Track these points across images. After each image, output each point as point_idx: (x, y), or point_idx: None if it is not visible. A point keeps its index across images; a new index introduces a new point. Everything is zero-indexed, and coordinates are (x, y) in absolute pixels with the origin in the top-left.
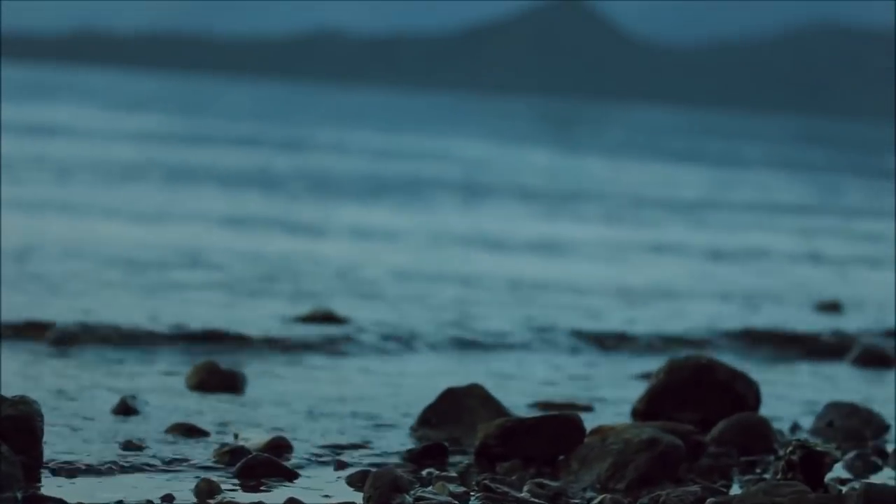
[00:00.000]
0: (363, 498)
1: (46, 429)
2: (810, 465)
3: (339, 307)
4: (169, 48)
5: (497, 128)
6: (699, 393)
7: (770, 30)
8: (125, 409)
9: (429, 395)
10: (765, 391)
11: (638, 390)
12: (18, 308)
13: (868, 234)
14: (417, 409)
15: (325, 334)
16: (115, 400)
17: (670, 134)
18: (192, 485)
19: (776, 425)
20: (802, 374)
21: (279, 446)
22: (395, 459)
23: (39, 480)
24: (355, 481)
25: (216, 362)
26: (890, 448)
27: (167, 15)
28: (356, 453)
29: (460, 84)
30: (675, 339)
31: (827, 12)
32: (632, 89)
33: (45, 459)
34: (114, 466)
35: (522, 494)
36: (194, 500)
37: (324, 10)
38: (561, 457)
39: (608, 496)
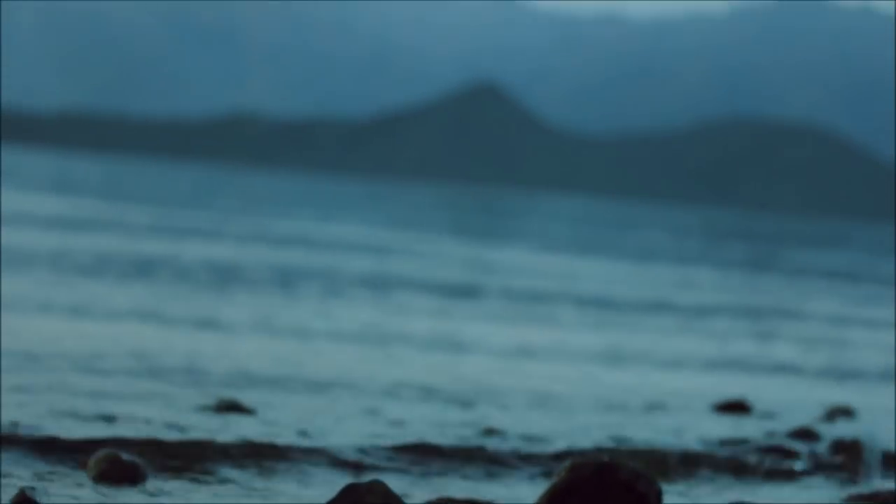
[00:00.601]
0: None
1: None
2: None
3: (246, 398)
4: (84, 128)
5: (406, 216)
6: (601, 492)
7: (684, 121)
8: (24, 499)
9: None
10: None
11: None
12: None
13: (766, 335)
14: None
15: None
16: (14, 491)
17: (583, 224)
18: None
19: None
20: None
21: None
22: None
23: None
24: None
25: (118, 453)
26: None
27: (83, 94)
28: None
29: (376, 169)
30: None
31: (740, 105)
32: (548, 178)
33: None
34: None
35: None
36: None
37: (242, 93)
38: None
39: None
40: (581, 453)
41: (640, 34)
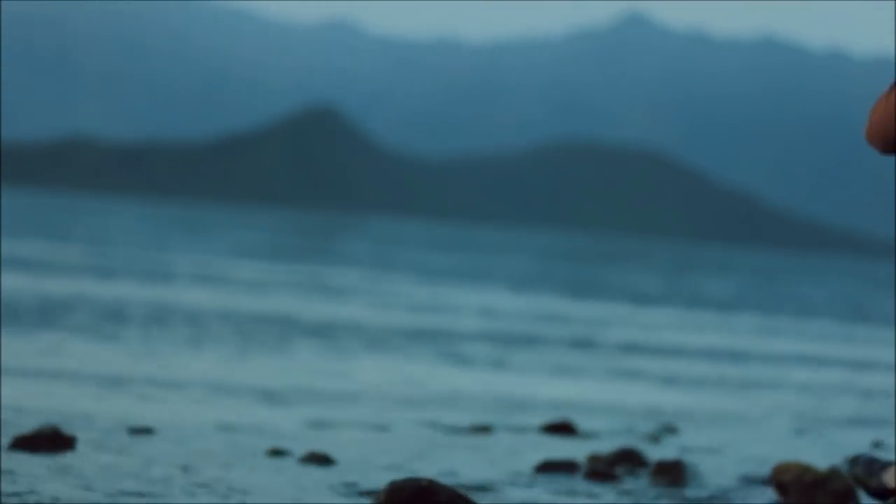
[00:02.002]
0: None
1: None
2: None
3: None
4: None
5: (240, 240)
6: None
7: (520, 143)
8: None
9: None
10: None
11: None
12: None
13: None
14: None
15: None
16: None
17: (415, 246)
18: None
19: None
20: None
21: None
22: None
23: None
24: None
25: None
26: None
27: None
28: None
29: (212, 193)
30: None
31: (576, 127)
32: (385, 201)
33: None
34: None
35: None
36: None
37: (76, 118)
38: None
39: None
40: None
41: (476, 57)
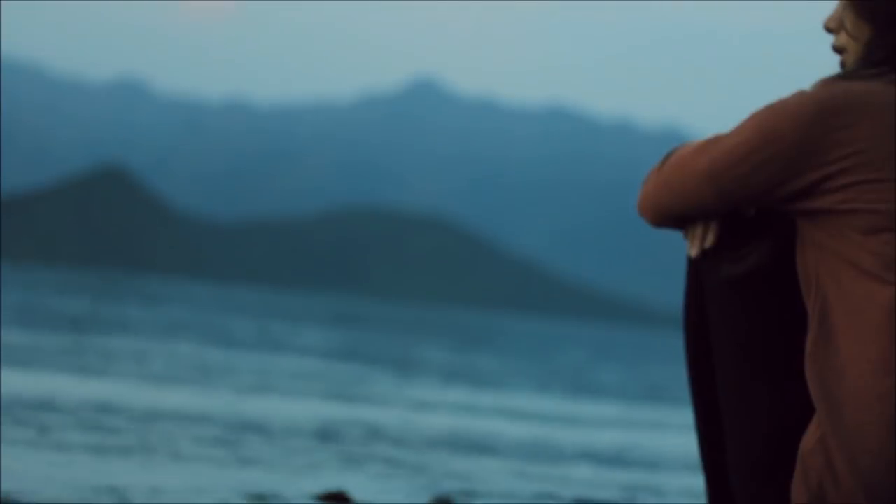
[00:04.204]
0: None
1: None
2: None
3: None
4: None
5: (19, 302)
6: None
7: (311, 208)
8: None
9: None
10: None
11: None
12: None
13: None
14: None
15: None
16: None
17: (200, 309)
18: None
19: None
20: None
21: None
22: None
23: None
24: None
25: None
26: None
27: None
28: None
29: None
30: None
31: (366, 192)
32: (173, 263)
33: None
34: None
35: None
36: None
37: None
38: None
39: None
40: None
41: (265, 120)
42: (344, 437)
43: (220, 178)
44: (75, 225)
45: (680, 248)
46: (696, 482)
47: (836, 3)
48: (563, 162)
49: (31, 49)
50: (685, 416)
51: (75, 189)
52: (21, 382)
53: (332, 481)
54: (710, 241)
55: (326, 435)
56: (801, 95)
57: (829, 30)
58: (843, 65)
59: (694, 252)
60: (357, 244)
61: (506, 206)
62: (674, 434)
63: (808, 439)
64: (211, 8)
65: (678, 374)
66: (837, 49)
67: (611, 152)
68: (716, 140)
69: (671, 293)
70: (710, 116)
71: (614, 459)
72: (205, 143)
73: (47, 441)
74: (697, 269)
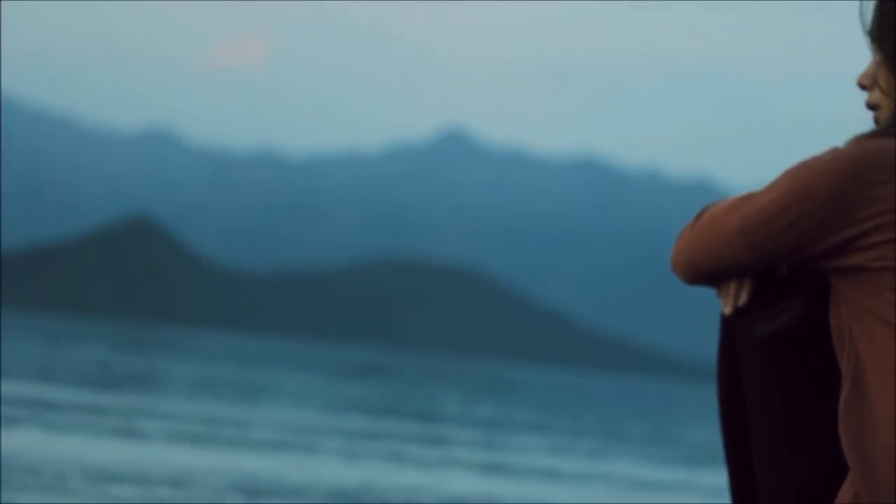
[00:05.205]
0: None
1: None
2: None
3: None
4: None
5: (53, 355)
6: None
7: (339, 259)
8: None
9: None
10: None
11: None
12: None
13: None
14: None
15: None
16: None
17: (232, 362)
18: None
19: None
20: None
21: None
22: None
23: None
24: None
25: None
26: None
27: None
28: None
29: (27, 302)
30: None
31: (394, 243)
32: (203, 314)
33: None
34: None
35: None
36: None
37: None
38: None
39: None
40: None
41: (295, 172)
42: None
43: (250, 229)
44: (105, 275)
45: (709, 299)
46: None
47: (870, 60)
48: (592, 212)
49: (63, 100)
50: (715, 478)
51: (105, 239)
52: (33, 442)
53: None
54: (743, 298)
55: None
56: (835, 152)
57: (862, 86)
58: (876, 121)
59: (728, 310)
60: (385, 295)
61: (534, 256)
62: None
63: (843, 497)
64: (241, 55)
65: (710, 431)
66: (871, 106)
67: (639, 202)
68: (749, 197)
69: (700, 344)
70: (738, 167)
71: None
72: (234, 193)
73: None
74: (731, 327)
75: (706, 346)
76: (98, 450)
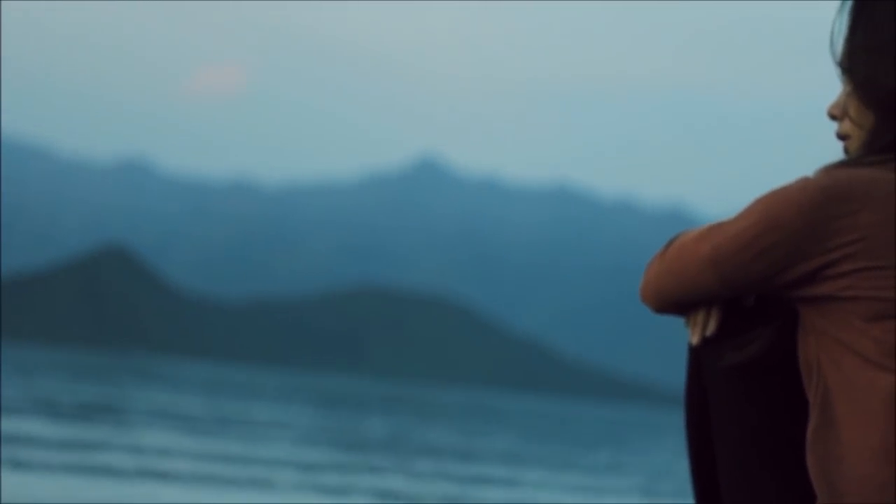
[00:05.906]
0: None
1: None
2: None
3: None
4: None
5: (28, 385)
6: None
7: (314, 287)
8: None
9: None
10: None
11: None
12: None
13: None
14: None
15: None
16: None
17: (204, 392)
18: None
19: None
20: None
21: None
22: None
23: None
24: None
25: None
26: None
27: None
28: None
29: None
30: None
31: (369, 272)
32: (177, 343)
33: None
34: None
35: None
36: None
37: None
38: None
39: None
40: None
41: (270, 201)
42: None
43: (224, 258)
44: (79, 305)
45: (680, 329)
46: None
47: (840, 90)
48: (565, 241)
49: (37, 129)
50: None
51: (79, 269)
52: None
53: None
54: (711, 328)
55: None
56: (805, 182)
57: (832, 116)
58: (846, 151)
59: (695, 339)
60: (359, 323)
61: (508, 285)
62: None
63: None
64: (216, 85)
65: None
66: (841, 136)
67: (613, 231)
68: (718, 226)
69: (672, 373)
70: (713, 194)
71: None
72: (209, 223)
73: None
74: (699, 357)
75: (678, 376)
76: (64, 485)
